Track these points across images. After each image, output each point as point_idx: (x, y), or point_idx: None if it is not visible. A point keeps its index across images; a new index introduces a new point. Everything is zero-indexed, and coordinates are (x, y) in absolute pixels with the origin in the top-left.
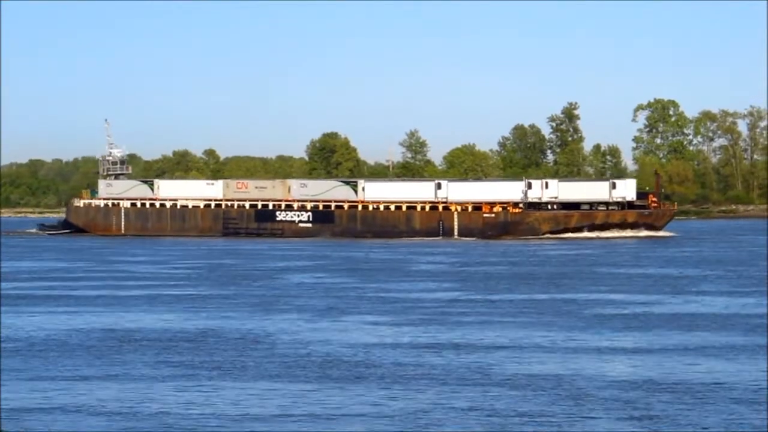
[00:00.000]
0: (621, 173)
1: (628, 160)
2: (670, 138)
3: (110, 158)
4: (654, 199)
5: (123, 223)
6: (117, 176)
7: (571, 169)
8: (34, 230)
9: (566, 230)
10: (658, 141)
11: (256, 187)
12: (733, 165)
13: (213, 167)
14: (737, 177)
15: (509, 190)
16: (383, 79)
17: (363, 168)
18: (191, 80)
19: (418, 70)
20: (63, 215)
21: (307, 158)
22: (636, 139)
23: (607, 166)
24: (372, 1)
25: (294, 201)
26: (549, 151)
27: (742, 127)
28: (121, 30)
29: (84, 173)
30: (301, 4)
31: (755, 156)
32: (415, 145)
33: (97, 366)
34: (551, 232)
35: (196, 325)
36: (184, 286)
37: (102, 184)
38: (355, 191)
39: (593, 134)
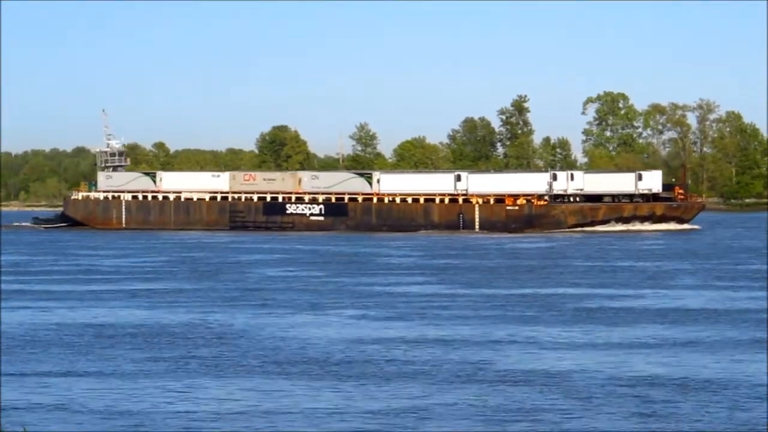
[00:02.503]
0: (571, 166)
1: (577, 153)
2: (619, 131)
3: (108, 150)
4: (681, 191)
5: (124, 216)
6: (115, 168)
7: (520, 161)
8: (27, 224)
9: (593, 223)
10: (608, 134)
11: (265, 179)
12: (682, 158)
13: (162, 160)
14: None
15: (533, 182)
16: (333, 72)
17: (313, 161)
18: (140, 73)
19: (368, 63)
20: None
21: (257, 151)
22: (586, 132)
23: (557, 159)
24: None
25: (305, 193)
26: (499, 144)
27: (692, 119)
28: (68, 24)
29: (33, 166)
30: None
31: (705, 149)
32: (365, 137)
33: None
34: (577, 225)
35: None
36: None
37: (101, 176)
38: (370, 183)
39: (543, 127)
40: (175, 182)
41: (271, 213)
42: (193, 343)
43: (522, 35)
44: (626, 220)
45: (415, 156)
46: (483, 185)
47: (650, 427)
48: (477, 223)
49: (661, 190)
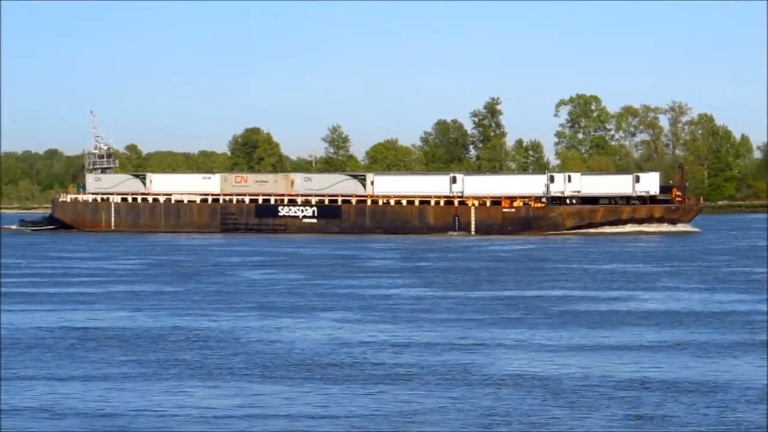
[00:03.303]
0: (543, 168)
1: (550, 155)
2: (592, 133)
3: (96, 151)
4: (678, 193)
5: (113, 218)
6: (104, 170)
7: (493, 164)
8: (14, 226)
9: (591, 225)
10: (580, 136)
11: (257, 181)
12: (654, 160)
13: (135, 162)
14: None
15: (530, 184)
16: (306, 75)
17: (285, 163)
18: (112, 76)
19: (341, 66)
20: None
21: (229, 153)
22: (558, 134)
23: (530, 161)
24: (294, 1)
25: (297, 195)
26: (471, 146)
27: (664, 122)
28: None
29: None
30: (222, 3)
31: (677, 151)
32: (337, 140)
33: None
34: (575, 228)
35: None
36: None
37: (90, 178)
38: (364, 185)
39: (516, 129)
40: (166, 184)
41: (263, 215)
42: (175, 346)
43: (495, 37)
44: (624, 223)
45: (387, 158)
46: (479, 187)
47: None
48: (473, 226)
49: (658, 192)
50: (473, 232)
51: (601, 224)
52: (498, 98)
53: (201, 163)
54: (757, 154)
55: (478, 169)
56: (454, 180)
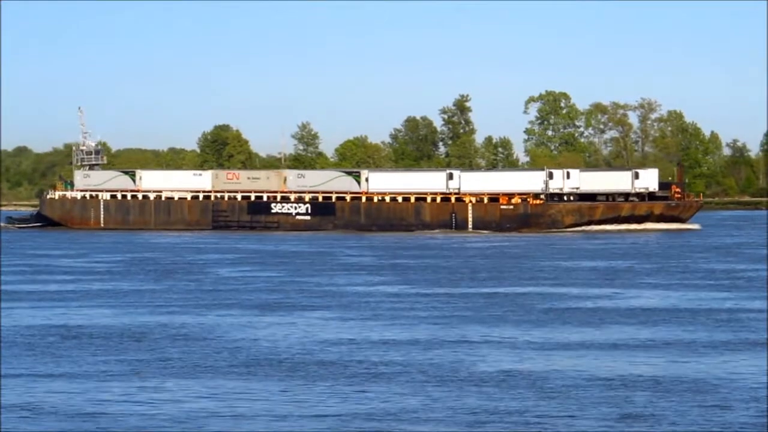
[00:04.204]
0: (513, 165)
1: (519, 153)
2: (561, 130)
3: (84, 148)
4: (678, 190)
5: (102, 216)
6: (92, 166)
7: (463, 161)
8: (1, 224)
9: (590, 222)
10: (550, 133)
11: (249, 178)
12: (624, 157)
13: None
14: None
15: (528, 181)
16: (275, 72)
17: (255, 160)
18: (82, 74)
19: (310, 63)
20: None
21: (198, 150)
22: (528, 132)
23: (499, 158)
24: (261, 0)
25: (291, 192)
26: (441, 143)
27: (633, 119)
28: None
29: None
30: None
31: (646, 148)
32: (307, 137)
33: None
34: (574, 225)
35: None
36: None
37: (78, 175)
38: (358, 182)
39: (485, 126)
40: (156, 181)
41: (255, 212)
42: (155, 344)
43: (464, 34)
44: (625, 220)
45: (357, 155)
46: (476, 184)
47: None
48: (470, 223)
49: (657, 189)
50: (470, 229)
51: (601, 221)
52: (467, 95)
53: (170, 160)
54: (727, 151)
55: (447, 166)
56: (450, 176)
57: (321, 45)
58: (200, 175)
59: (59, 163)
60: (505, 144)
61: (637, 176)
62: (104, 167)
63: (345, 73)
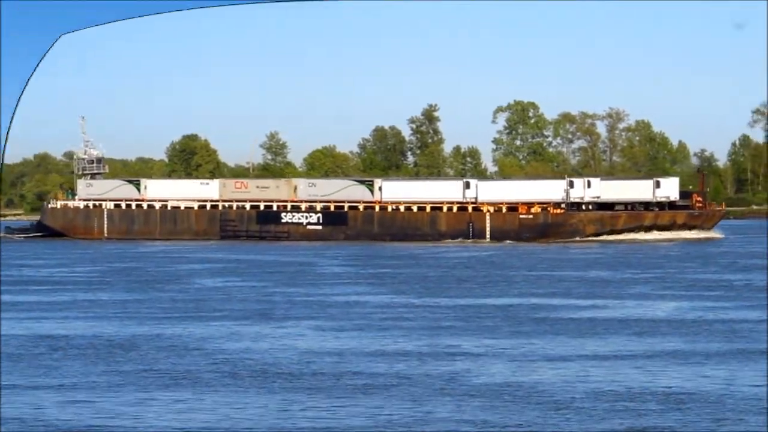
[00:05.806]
0: (481, 174)
1: (488, 162)
2: (529, 140)
3: (86, 157)
4: (699, 199)
5: (106, 226)
6: (93, 176)
7: (431, 170)
8: (1, 234)
9: (612, 232)
10: (518, 143)
11: (258, 187)
12: (591, 167)
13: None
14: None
15: (548, 190)
16: (243, 82)
17: (223, 170)
18: (49, 81)
19: (278, 73)
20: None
21: (167, 160)
22: (496, 141)
23: (467, 168)
24: (229, 6)
25: (301, 201)
26: (409, 153)
27: (601, 128)
28: None
29: None
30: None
31: (614, 157)
32: (275, 146)
33: None
34: (596, 235)
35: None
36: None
37: (81, 184)
38: (371, 191)
39: (453, 136)
40: (161, 190)
41: (265, 222)
42: (143, 356)
43: (432, 43)
44: (647, 229)
45: (325, 165)
46: (494, 193)
47: None
48: (488, 233)
49: (678, 198)
50: (488, 239)
51: (623, 231)
52: (436, 105)
53: (139, 169)
54: (694, 161)
55: (416, 176)
56: (467, 185)
57: (289, 55)
58: (207, 184)
59: (29, 174)
60: (474, 154)
61: (658, 185)
62: (107, 176)
63: (314, 82)
